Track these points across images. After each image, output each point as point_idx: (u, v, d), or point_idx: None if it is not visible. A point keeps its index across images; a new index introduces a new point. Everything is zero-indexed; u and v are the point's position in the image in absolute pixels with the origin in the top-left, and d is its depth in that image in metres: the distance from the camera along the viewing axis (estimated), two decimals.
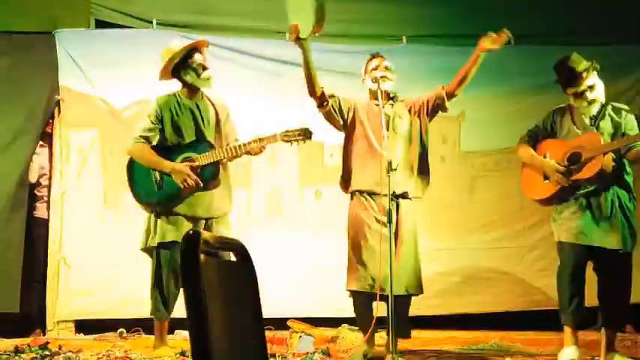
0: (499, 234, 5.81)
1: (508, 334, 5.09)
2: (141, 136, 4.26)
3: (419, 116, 4.32)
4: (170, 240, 4.16)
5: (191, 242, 1.37)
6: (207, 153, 4.18)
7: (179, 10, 5.90)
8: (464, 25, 5.99)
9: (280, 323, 5.13)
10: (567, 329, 4.03)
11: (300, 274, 5.48)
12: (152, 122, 4.28)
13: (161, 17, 5.80)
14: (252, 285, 1.62)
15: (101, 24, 5.79)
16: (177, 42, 4.43)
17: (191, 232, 1.38)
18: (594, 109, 4.08)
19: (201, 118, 4.30)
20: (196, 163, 4.16)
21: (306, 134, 4.15)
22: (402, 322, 4.07)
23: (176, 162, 4.19)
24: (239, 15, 5.93)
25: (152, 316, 4.32)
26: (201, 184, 4.14)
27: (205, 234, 1.46)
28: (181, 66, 4.28)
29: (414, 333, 4.74)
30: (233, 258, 1.69)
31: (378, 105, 4.22)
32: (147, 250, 4.28)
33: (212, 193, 4.23)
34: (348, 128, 4.29)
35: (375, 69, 4.29)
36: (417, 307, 5.49)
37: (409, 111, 4.32)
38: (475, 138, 5.97)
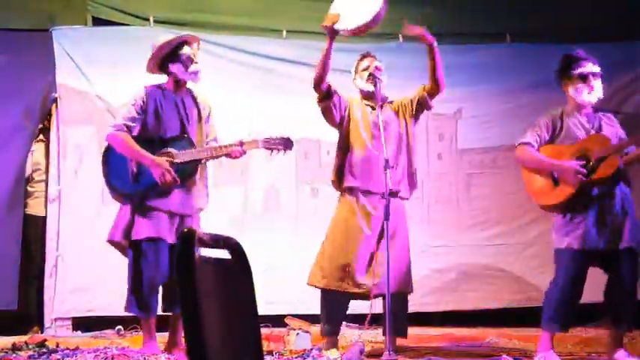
0: (496, 231, 5.82)
1: (505, 330, 5.10)
2: (124, 124, 4.12)
3: (404, 117, 4.30)
4: (145, 235, 4.06)
5: (186, 241, 1.38)
6: (187, 150, 4.09)
7: (176, 7, 5.89)
8: (460, 23, 6.00)
9: (278, 320, 5.15)
10: (547, 335, 3.93)
11: (296, 271, 5.48)
12: (136, 112, 4.15)
13: (158, 15, 5.79)
14: (247, 283, 1.62)
15: (98, 21, 5.78)
16: (167, 36, 4.35)
17: (186, 230, 1.39)
18: (592, 100, 4.01)
19: (185, 113, 4.21)
20: (176, 160, 4.06)
21: (286, 144, 4.05)
22: (401, 321, 4.09)
23: (155, 156, 4.08)
24: (236, 13, 5.93)
25: (126, 313, 4.21)
26: (179, 182, 4.04)
27: (200, 232, 1.47)
28: (170, 58, 4.21)
29: (413, 329, 4.76)
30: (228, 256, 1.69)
31: (369, 105, 4.25)
32: (115, 243, 4.20)
33: (189, 190, 4.14)
34: (343, 126, 4.28)
35: (366, 69, 4.29)
36: (414, 304, 5.53)
37: (396, 112, 4.31)
38: (472, 135, 5.98)
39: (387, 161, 3.85)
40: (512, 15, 6.04)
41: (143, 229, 4.07)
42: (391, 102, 4.37)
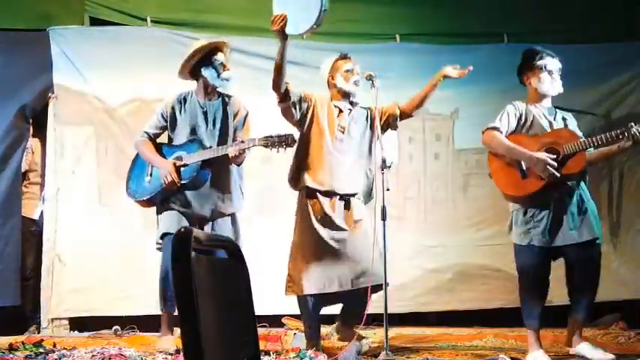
0: (492, 231, 5.81)
1: (502, 330, 5.09)
2: (145, 132, 4.35)
3: (372, 127, 4.24)
4: (163, 231, 4.18)
5: (182, 240, 1.38)
6: (195, 153, 4.16)
7: (174, 7, 5.89)
8: (456, 24, 6.01)
9: (275, 320, 5.15)
10: (532, 333, 3.96)
11: None
12: (158, 120, 4.35)
13: (155, 15, 5.80)
14: (244, 283, 1.63)
15: (95, 21, 5.78)
16: (201, 41, 4.41)
17: (182, 229, 1.40)
18: (554, 92, 4.06)
19: (206, 118, 4.28)
20: (180, 162, 4.15)
21: (287, 141, 4.02)
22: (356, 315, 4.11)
23: (168, 159, 4.20)
24: (232, 13, 5.93)
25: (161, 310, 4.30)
26: (178, 182, 4.12)
27: (197, 232, 1.48)
28: (203, 63, 4.27)
29: (410, 329, 4.77)
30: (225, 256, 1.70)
31: (337, 107, 4.24)
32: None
33: (208, 194, 4.21)
34: (304, 124, 4.23)
35: (350, 71, 4.25)
36: (410, 304, 5.55)
37: (366, 119, 4.28)
38: (469, 135, 5.97)
39: (384, 161, 3.85)
40: (510, 15, 6.05)
41: (162, 226, 4.23)
42: (363, 107, 4.33)
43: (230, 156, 4.09)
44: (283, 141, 4.01)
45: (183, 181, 4.15)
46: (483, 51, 5.97)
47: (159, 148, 4.34)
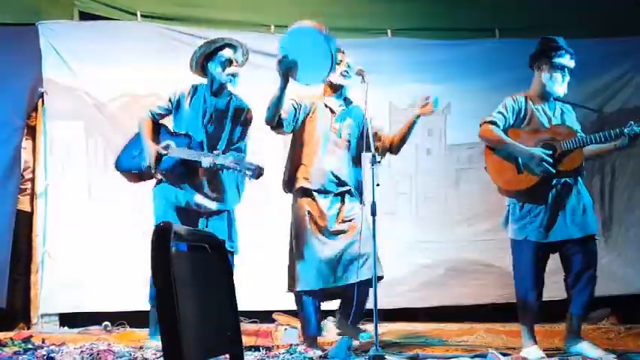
0: (484, 226, 5.81)
1: (493, 326, 5.11)
2: (150, 110, 4.33)
3: (358, 131, 4.26)
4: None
5: (161, 234, 1.36)
6: (181, 148, 4.13)
7: (163, 2, 5.87)
8: (448, 19, 6.00)
9: (265, 316, 5.14)
10: (526, 329, 3.97)
11: (284, 267, 5.46)
12: (165, 103, 4.32)
13: (145, 9, 5.77)
14: (226, 277, 1.61)
15: (85, 16, 5.75)
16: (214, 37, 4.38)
17: (162, 223, 1.38)
18: (562, 93, 4.03)
19: (209, 115, 4.23)
20: (165, 152, 4.14)
21: (255, 173, 3.88)
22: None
23: (159, 145, 4.19)
24: (223, 7, 5.91)
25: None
26: (154, 169, 4.13)
27: (178, 227, 1.46)
28: (209, 58, 4.24)
29: (401, 325, 4.76)
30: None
31: (329, 107, 4.24)
32: None
33: (196, 188, 4.16)
34: (296, 128, 4.25)
35: (339, 64, 4.21)
36: (402, 300, 5.53)
37: (358, 125, 4.27)
38: (461, 131, 5.96)
39: (374, 157, 3.83)
40: (501, 10, 6.04)
41: (156, 217, 4.26)
42: (355, 106, 4.32)
43: (202, 166, 4.01)
44: (253, 171, 3.88)
45: (159, 170, 4.15)
46: (475, 46, 5.97)
47: (159, 129, 4.34)
